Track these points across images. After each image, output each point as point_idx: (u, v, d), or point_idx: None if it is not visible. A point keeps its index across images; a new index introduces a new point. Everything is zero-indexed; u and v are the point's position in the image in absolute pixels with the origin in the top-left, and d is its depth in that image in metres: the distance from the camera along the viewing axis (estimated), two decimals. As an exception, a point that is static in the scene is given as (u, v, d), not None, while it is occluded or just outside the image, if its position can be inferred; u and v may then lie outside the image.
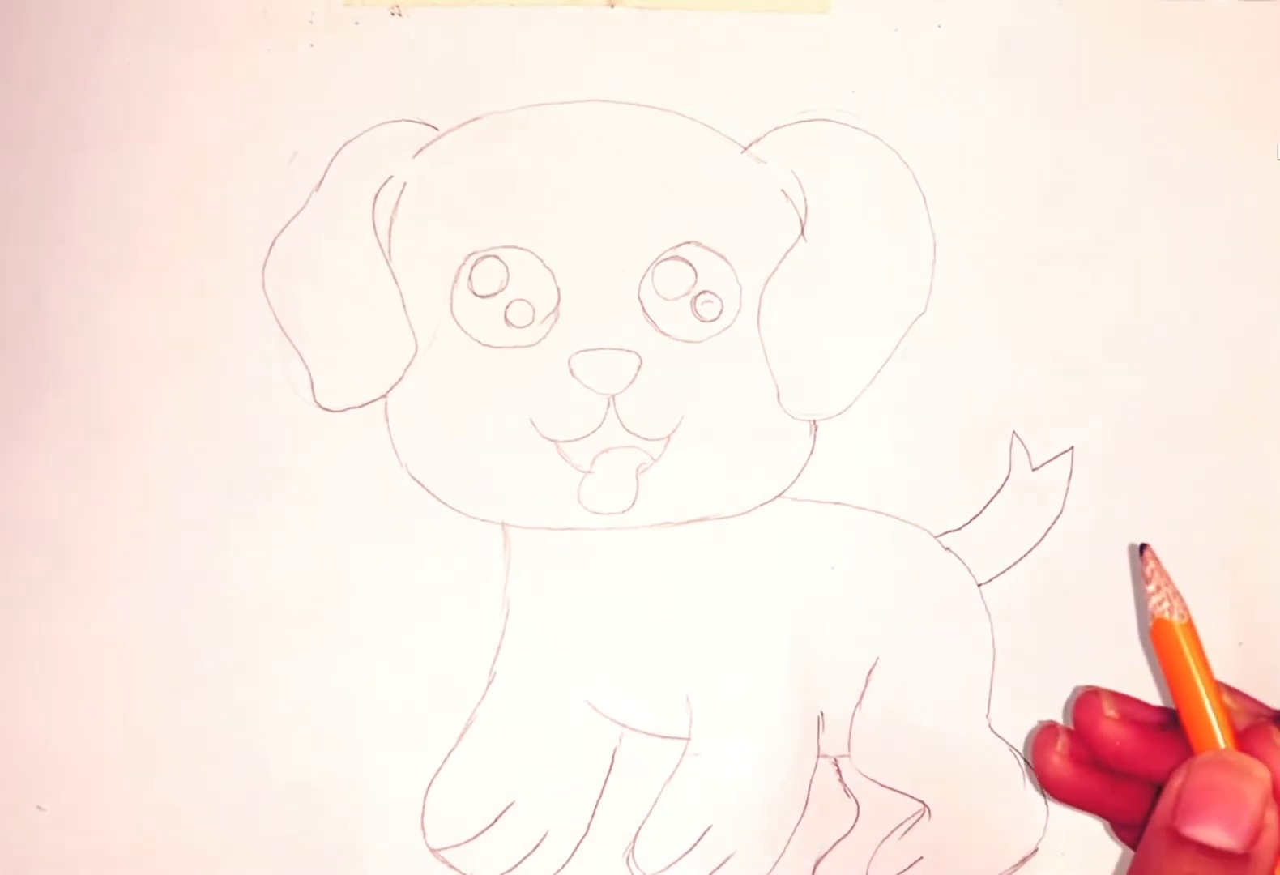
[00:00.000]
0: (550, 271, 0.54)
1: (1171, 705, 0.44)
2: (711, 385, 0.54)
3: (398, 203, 0.54)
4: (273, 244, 0.54)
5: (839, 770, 0.54)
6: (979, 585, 0.54)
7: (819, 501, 0.54)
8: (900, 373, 0.55)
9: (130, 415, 0.54)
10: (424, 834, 0.53)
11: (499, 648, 0.54)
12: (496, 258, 0.54)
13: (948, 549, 0.54)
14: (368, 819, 0.53)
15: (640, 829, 0.54)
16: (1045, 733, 0.46)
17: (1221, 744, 0.41)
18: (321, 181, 0.54)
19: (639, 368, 0.53)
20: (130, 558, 0.54)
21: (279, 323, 0.54)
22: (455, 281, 0.54)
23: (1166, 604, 0.43)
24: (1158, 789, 0.41)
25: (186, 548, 0.54)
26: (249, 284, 0.54)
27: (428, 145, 0.54)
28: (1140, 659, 0.54)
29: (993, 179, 0.55)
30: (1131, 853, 0.43)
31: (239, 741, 0.53)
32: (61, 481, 0.54)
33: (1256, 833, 0.38)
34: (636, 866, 0.53)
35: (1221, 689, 0.43)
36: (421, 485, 0.54)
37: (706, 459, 0.54)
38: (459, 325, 0.54)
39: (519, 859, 0.53)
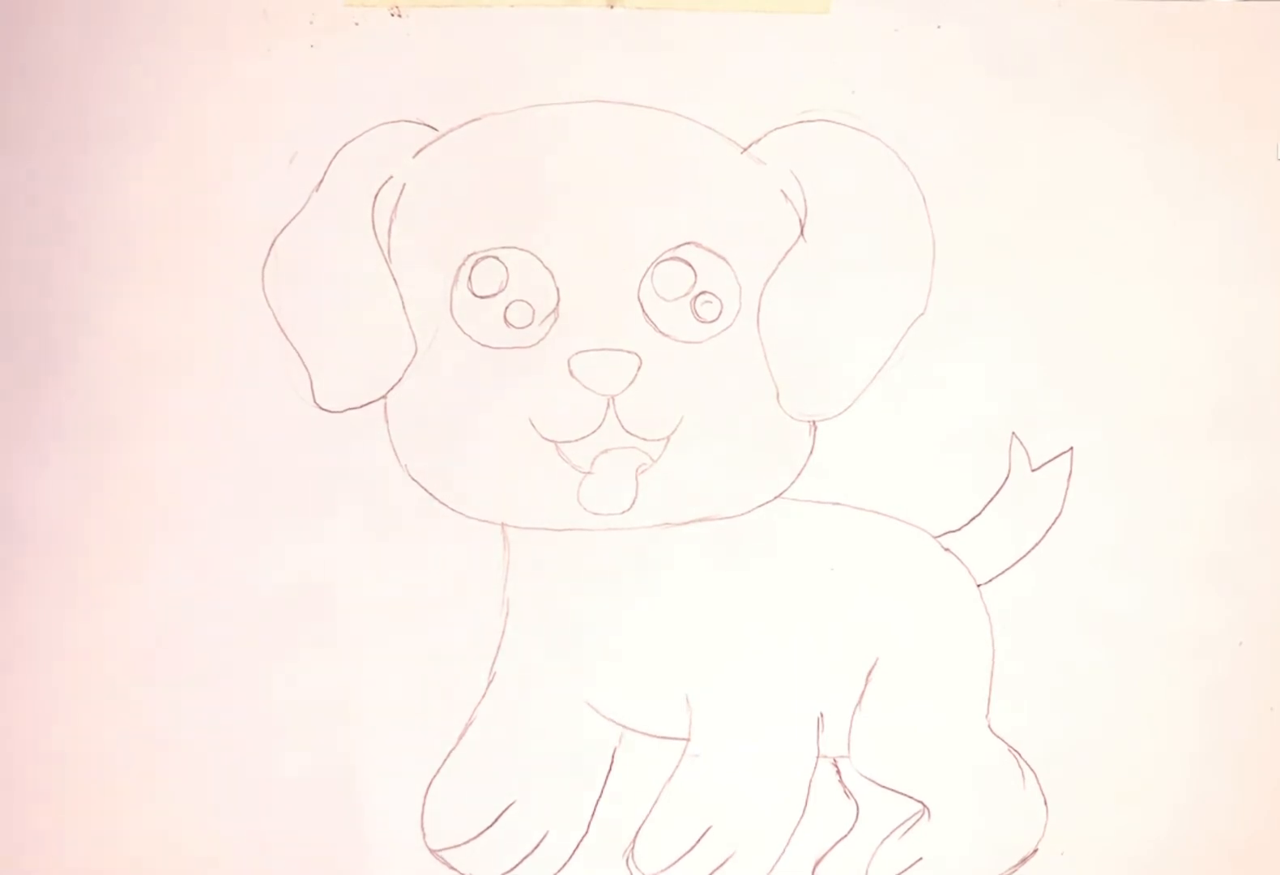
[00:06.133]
0: (550, 272, 0.54)
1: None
2: (711, 385, 0.54)
3: (398, 203, 0.54)
4: (273, 244, 0.54)
5: (839, 770, 0.54)
6: (979, 585, 0.54)
7: (819, 501, 0.54)
8: (900, 373, 0.55)
9: (130, 416, 0.54)
10: (424, 834, 0.53)
11: (499, 648, 0.54)
12: (496, 258, 0.54)
13: (947, 549, 0.54)
14: (368, 819, 0.53)
15: (640, 829, 0.54)
16: None
17: None
18: (321, 182, 0.54)
19: (639, 368, 0.53)
20: (130, 557, 0.54)
21: (279, 323, 0.54)
22: (455, 282, 0.54)
23: None
24: None
25: (186, 548, 0.54)
26: (249, 284, 0.54)
27: (428, 145, 0.54)
28: (1139, 659, 0.54)
29: (992, 179, 0.55)
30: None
31: (239, 741, 0.53)
32: (61, 481, 0.54)
33: None
34: (636, 866, 0.54)
35: None
36: (421, 485, 0.54)
37: (706, 459, 0.54)
38: (458, 326, 0.54)
39: (519, 859, 0.54)
